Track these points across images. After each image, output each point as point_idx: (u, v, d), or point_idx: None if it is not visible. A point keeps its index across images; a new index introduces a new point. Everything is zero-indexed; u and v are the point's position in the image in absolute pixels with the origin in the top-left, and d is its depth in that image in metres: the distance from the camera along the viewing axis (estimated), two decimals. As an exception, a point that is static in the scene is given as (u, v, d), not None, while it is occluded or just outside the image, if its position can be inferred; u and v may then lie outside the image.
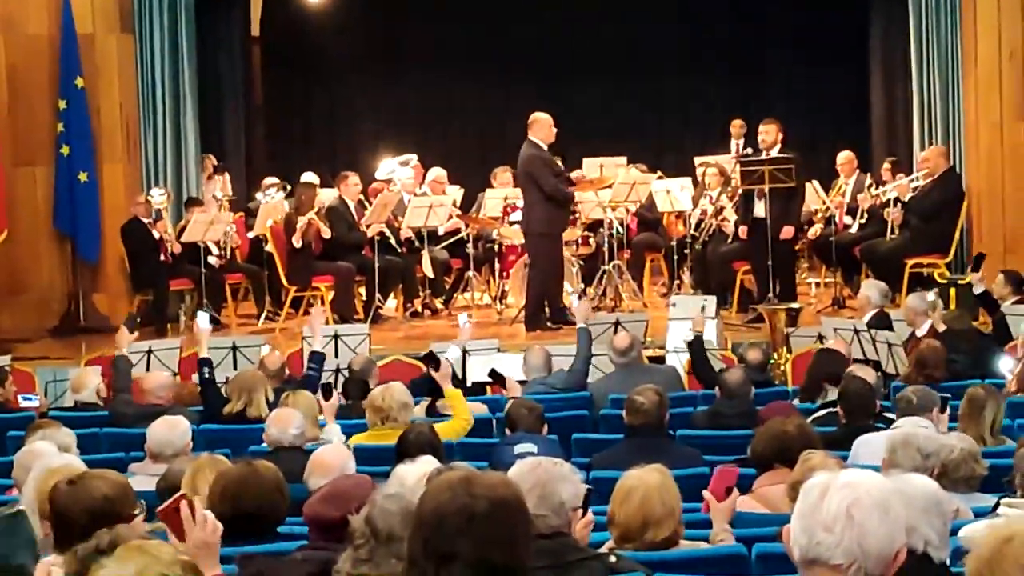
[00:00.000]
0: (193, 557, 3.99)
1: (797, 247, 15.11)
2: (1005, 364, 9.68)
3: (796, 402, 9.07)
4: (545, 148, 13.62)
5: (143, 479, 6.72)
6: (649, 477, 5.27)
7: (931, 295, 11.16)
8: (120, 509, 4.71)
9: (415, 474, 5.28)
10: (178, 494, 4.32)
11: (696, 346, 10.58)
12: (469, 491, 3.17)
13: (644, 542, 5.18)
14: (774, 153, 13.54)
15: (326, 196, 15.02)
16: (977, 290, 11.16)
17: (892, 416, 7.52)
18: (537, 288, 13.70)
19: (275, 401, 8.82)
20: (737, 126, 17.27)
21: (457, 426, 8.51)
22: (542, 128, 13.62)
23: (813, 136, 18.44)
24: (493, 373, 9.77)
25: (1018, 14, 14.27)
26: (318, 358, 10.08)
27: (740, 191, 14.10)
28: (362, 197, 15.04)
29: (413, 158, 16.24)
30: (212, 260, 14.61)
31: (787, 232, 13.62)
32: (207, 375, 9.68)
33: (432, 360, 9.06)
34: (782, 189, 13.37)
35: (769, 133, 13.68)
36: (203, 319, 10.44)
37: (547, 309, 13.69)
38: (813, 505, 3.10)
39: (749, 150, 14.51)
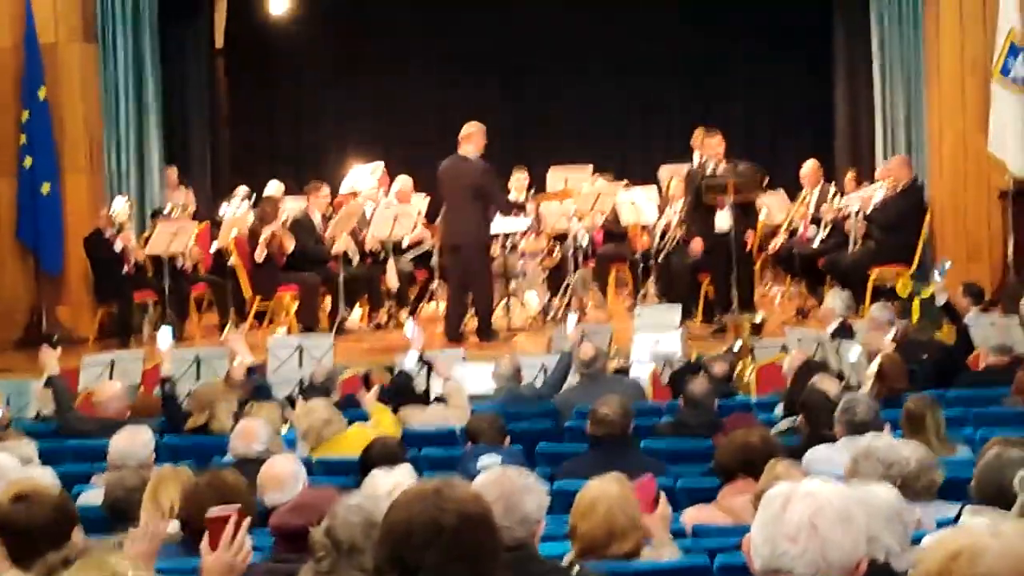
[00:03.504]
0: (205, 574, 3.99)
1: (761, 258, 15.17)
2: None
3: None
4: None
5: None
6: (610, 488, 5.25)
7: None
8: (63, 527, 4.71)
9: (389, 483, 5.28)
10: (236, 506, 4.20)
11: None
12: (439, 504, 3.17)
13: (608, 554, 5.17)
14: (722, 166, 13.57)
15: (292, 206, 14.99)
16: (940, 301, 11.20)
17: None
18: (487, 300, 13.78)
19: (239, 412, 8.82)
20: (699, 136, 17.26)
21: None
22: (478, 139, 13.69)
23: (776, 146, 18.51)
24: (421, 359, 9.79)
25: (980, 25, 14.33)
26: (254, 371, 10.31)
27: (688, 203, 14.10)
28: (330, 209, 15.02)
29: (380, 165, 16.24)
30: (180, 264, 14.58)
31: (750, 238, 13.71)
32: (167, 391, 9.63)
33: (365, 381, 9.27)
34: (739, 200, 13.42)
35: (719, 145, 13.72)
36: (164, 336, 10.13)
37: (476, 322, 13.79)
38: (775, 515, 3.10)
39: (709, 161, 14.42)
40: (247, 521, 4.08)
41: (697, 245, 13.87)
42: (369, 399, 9.49)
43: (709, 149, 13.80)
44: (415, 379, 10.29)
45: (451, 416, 9.36)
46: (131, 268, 14.45)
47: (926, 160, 14.80)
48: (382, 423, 8.85)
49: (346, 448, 8.02)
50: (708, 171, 13.75)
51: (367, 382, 9.44)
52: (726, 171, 13.54)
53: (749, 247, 13.88)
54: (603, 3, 18.69)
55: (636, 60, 19.16)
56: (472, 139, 13.66)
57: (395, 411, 9.34)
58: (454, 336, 13.51)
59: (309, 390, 10.02)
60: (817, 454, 6.70)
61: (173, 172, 16.28)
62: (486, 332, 13.58)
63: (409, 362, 10.30)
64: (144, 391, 11.01)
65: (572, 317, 11.47)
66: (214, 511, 4.12)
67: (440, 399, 9.96)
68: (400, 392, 9.98)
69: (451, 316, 13.81)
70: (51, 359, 9.98)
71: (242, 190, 15.54)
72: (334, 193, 15.52)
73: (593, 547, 5.17)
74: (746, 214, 13.69)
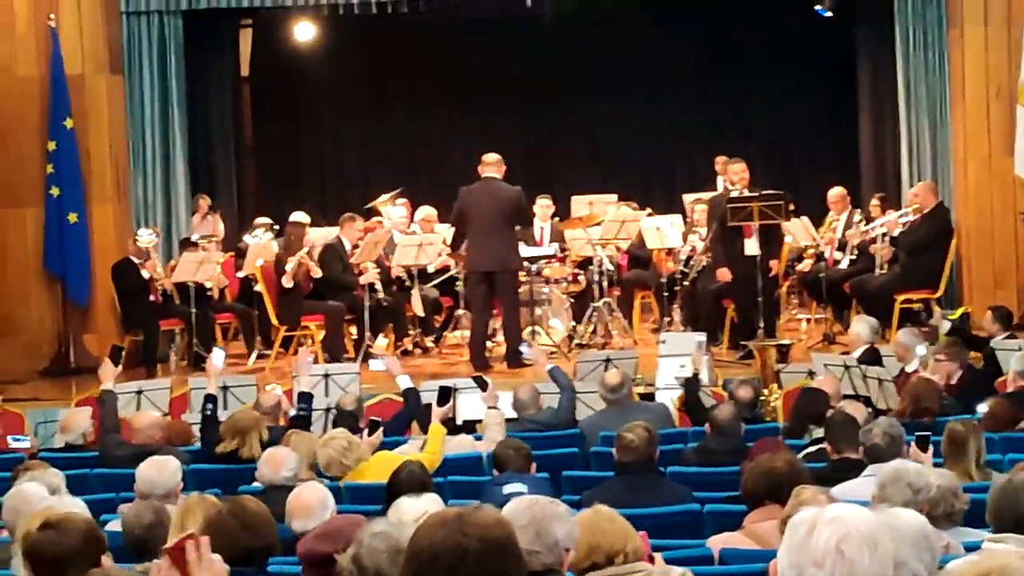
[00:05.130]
0: None
1: (787, 283, 15.15)
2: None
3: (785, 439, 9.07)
4: None
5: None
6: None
7: (922, 348, 11.10)
8: (91, 553, 4.72)
9: (416, 510, 5.28)
10: (185, 533, 4.23)
11: (690, 385, 10.61)
12: (462, 529, 3.17)
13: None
14: (746, 192, 13.57)
15: (316, 235, 15.02)
16: (943, 328, 11.23)
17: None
18: (516, 326, 13.79)
19: (269, 440, 8.83)
20: (722, 162, 17.29)
21: (424, 459, 8.53)
22: (502, 167, 13.75)
23: (801, 173, 18.51)
24: (443, 391, 9.71)
25: (1005, 50, 14.32)
26: (306, 398, 10.12)
27: (715, 231, 14.09)
28: (360, 241, 15.03)
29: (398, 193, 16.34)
30: (209, 292, 14.65)
31: (775, 266, 13.68)
32: (209, 411, 9.69)
33: (443, 396, 9.15)
34: (766, 226, 13.39)
35: (743, 171, 13.71)
36: (218, 356, 10.51)
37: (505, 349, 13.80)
38: (801, 540, 3.09)
39: (735, 187, 14.46)
40: (205, 540, 4.10)
41: (724, 275, 13.82)
42: (437, 412, 9.28)
43: (733, 175, 13.80)
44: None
45: (481, 444, 9.34)
46: (158, 297, 14.51)
47: (952, 185, 14.79)
48: (432, 443, 8.79)
49: (371, 476, 8.03)
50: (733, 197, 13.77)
51: (374, 427, 9.29)
52: (751, 196, 13.53)
53: (774, 273, 13.86)
54: (626, 34, 18.73)
55: (659, 90, 19.20)
56: (498, 165, 13.71)
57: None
58: (481, 364, 13.51)
59: (339, 417, 10.03)
60: (846, 488, 6.69)
61: (204, 201, 16.35)
62: (516, 358, 13.55)
63: (405, 383, 10.32)
64: (172, 419, 11.03)
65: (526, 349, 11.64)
66: (169, 544, 4.15)
67: (467, 427, 9.96)
68: (420, 416, 9.98)
69: (476, 344, 13.80)
70: (110, 373, 10.13)
71: (263, 221, 15.57)
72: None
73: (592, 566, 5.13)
74: (770, 240, 13.67)
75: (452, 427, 9.99)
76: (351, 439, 8.41)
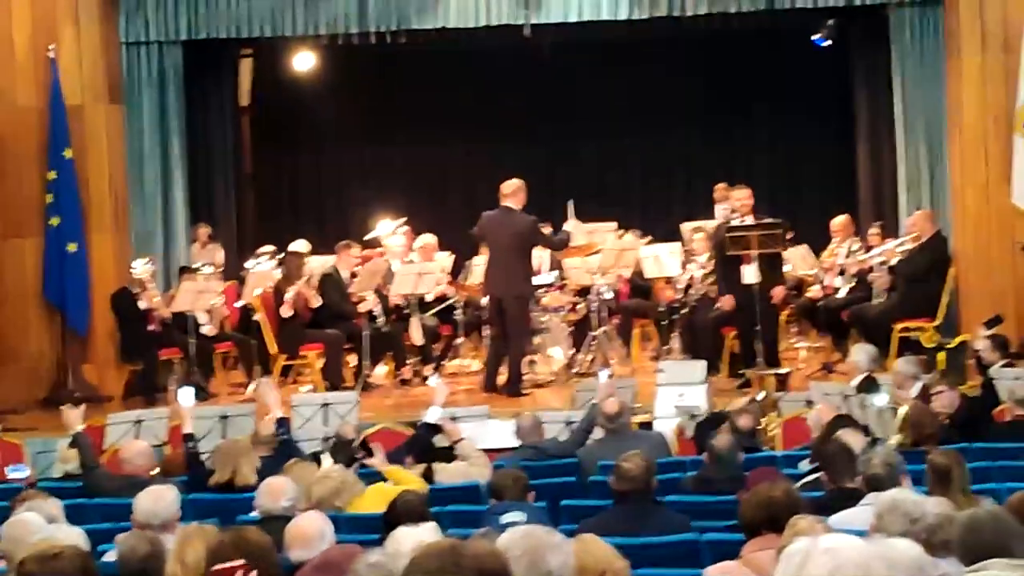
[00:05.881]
0: None
1: (786, 312, 15.15)
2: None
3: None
4: None
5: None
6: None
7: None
8: None
9: (414, 540, 5.28)
10: (240, 562, 4.21)
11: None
12: (457, 561, 3.18)
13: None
14: (748, 219, 13.57)
15: (316, 264, 15.04)
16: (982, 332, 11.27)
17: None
18: (520, 355, 13.80)
19: (263, 468, 8.83)
20: (720, 190, 17.36)
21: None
22: (521, 194, 13.86)
23: (800, 201, 18.54)
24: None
25: (1002, 79, 14.35)
26: (284, 422, 10.14)
27: (716, 260, 14.11)
28: (357, 269, 15.05)
29: (402, 222, 16.34)
30: (204, 330, 14.64)
31: (778, 293, 13.65)
32: (191, 448, 9.69)
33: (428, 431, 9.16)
34: (767, 254, 13.40)
35: (747, 198, 13.71)
36: (186, 396, 10.22)
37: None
38: (796, 570, 3.10)
39: (736, 214, 14.50)
40: (254, 574, 4.09)
41: (728, 303, 13.83)
42: (378, 463, 9.42)
43: (736, 201, 13.81)
44: (439, 433, 10.31)
45: (474, 472, 9.36)
46: (157, 326, 14.51)
47: (949, 214, 14.81)
48: (403, 482, 8.83)
49: (366, 509, 8.03)
50: (733, 224, 13.80)
51: (366, 448, 9.38)
52: (749, 224, 13.54)
53: (775, 301, 13.86)
54: (625, 64, 18.77)
55: (658, 119, 19.24)
56: (516, 194, 13.80)
57: (427, 467, 9.34)
58: (492, 388, 13.59)
59: (338, 446, 10.03)
60: (843, 517, 6.68)
61: (204, 230, 16.37)
62: (515, 387, 13.57)
63: (431, 416, 10.31)
64: (171, 449, 11.04)
65: (604, 372, 11.41)
66: (219, 567, 4.13)
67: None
68: (422, 447, 10.00)
69: (491, 368, 13.88)
70: (74, 417, 10.00)
71: (267, 249, 15.60)
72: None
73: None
74: (773, 268, 13.68)
75: (447, 456, 10.00)
76: (345, 479, 8.37)
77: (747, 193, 13.76)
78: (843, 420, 9.49)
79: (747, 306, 13.36)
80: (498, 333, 13.93)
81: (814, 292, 15.20)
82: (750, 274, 13.40)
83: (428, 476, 9.26)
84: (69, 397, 10.92)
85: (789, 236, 14.50)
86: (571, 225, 14.74)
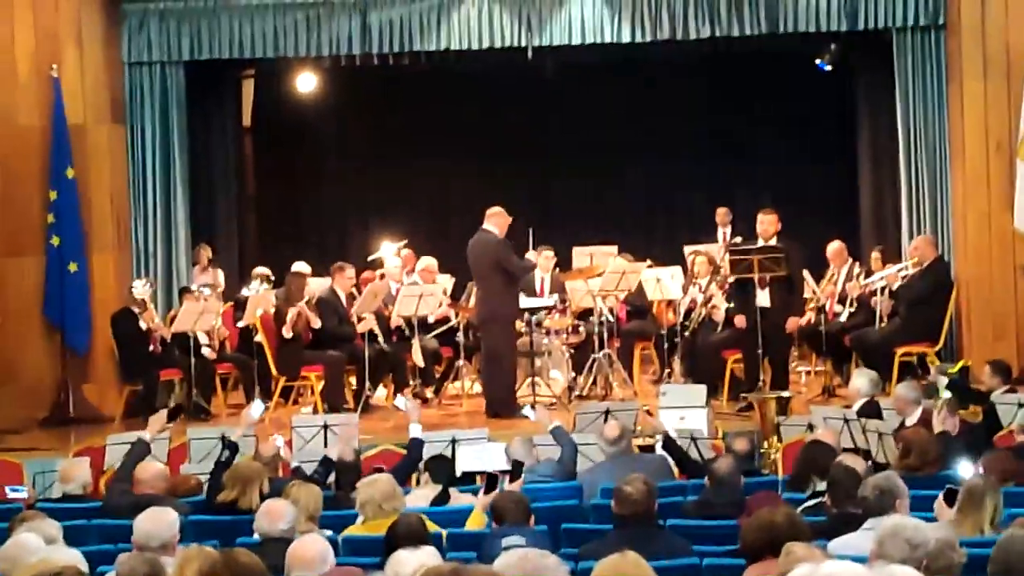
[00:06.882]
0: None
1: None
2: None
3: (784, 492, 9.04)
4: None
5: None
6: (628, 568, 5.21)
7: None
8: None
9: (414, 563, 5.27)
10: None
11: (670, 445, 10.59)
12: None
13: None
14: (772, 243, 13.59)
15: (317, 285, 15.04)
16: (941, 384, 11.28)
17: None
18: (506, 377, 13.87)
19: (269, 492, 8.81)
20: (722, 214, 17.39)
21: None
22: (501, 220, 13.90)
23: (801, 227, 18.50)
24: (491, 478, 9.46)
25: (1004, 105, 14.37)
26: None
27: (731, 280, 14.16)
28: (354, 290, 15.05)
29: (403, 244, 16.35)
30: (205, 352, 14.64)
31: (792, 324, 13.70)
32: (225, 458, 9.71)
33: (491, 484, 8.89)
34: (783, 279, 13.42)
35: (771, 223, 13.75)
36: (257, 408, 10.51)
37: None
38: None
39: (739, 239, 14.54)
40: None
41: (740, 321, 13.89)
42: (482, 501, 8.86)
43: (759, 224, 13.84)
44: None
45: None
46: (157, 347, 14.50)
47: (951, 239, 14.82)
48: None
49: (369, 528, 7.98)
50: (734, 247, 13.87)
51: (494, 483, 8.99)
52: (749, 248, 13.59)
53: (789, 330, 13.88)
54: (627, 85, 18.79)
55: (660, 142, 19.24)
56: (494, 218, 13.87)
57: (444, 490, 9.26)
58: (493, 414, 13.62)
59: (342, 469, 10.00)
60: (844, 542, 6.66)
61: (205, 252, 16.38)
62: (509, 408, 13.58)
63: (414, 432, 10.34)
64: (170, 470, 10.99)
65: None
66: None
67: (466, 478, 9.93)
68: (440, 469, 9.96)
69: (486, 393, 13.90)
70: (157, 424, 10.27)
71: (260, 272, 15.58)
72: (357, 274, 15.55)
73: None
74: (790, 292, 13.73)
75: (451, 479, 9.96)
76: (396, 486, 8.31)
77: (773, 219, 13.81)
78: (817, 446, 9.41)
79: (755, 329, 13.39)
80: (486, 358, 14.00)
81: (815, 317, 15.17)
82: (763, 297, 13.46)
83: (443, 498, 9.17)
84: (175, 411, 10.95)
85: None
86: (531, 254, 14.93)
